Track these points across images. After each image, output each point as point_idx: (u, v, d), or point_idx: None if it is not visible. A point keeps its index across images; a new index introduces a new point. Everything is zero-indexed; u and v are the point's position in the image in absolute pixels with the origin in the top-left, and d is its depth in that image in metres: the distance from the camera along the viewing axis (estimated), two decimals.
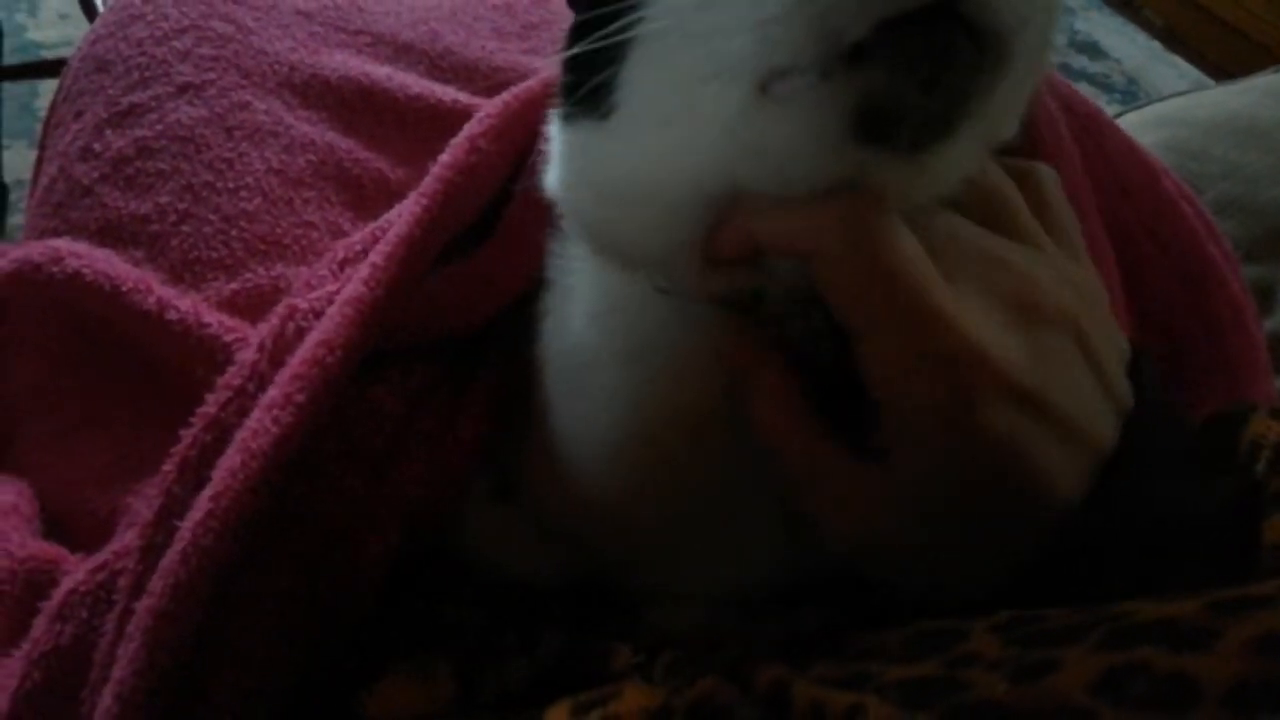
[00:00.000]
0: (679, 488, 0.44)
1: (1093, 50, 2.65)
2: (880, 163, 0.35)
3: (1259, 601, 0.30)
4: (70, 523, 0.52)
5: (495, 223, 0.53)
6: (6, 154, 1.60)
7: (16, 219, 1.56)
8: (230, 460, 0.41)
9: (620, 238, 0.42)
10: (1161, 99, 1.15)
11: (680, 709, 0.36)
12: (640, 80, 0.38)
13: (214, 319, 0.53)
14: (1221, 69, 2.48)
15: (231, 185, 0.59)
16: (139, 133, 0.61)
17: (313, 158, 0.61)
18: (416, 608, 0.47)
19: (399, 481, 0.46)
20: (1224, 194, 0.97)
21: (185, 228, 0.57)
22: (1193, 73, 2.59)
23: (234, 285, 0.56)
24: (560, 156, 0.44)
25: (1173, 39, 2.69)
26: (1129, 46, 2.69)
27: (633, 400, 0.43)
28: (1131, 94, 2.50)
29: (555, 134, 0.44)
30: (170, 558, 0.39)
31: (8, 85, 1.58)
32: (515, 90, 0.54)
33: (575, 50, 0.38)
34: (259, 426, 0.41)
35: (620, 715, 0.36)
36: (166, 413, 0.47)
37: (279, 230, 0.58)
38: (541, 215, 0.49)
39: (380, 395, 0.47)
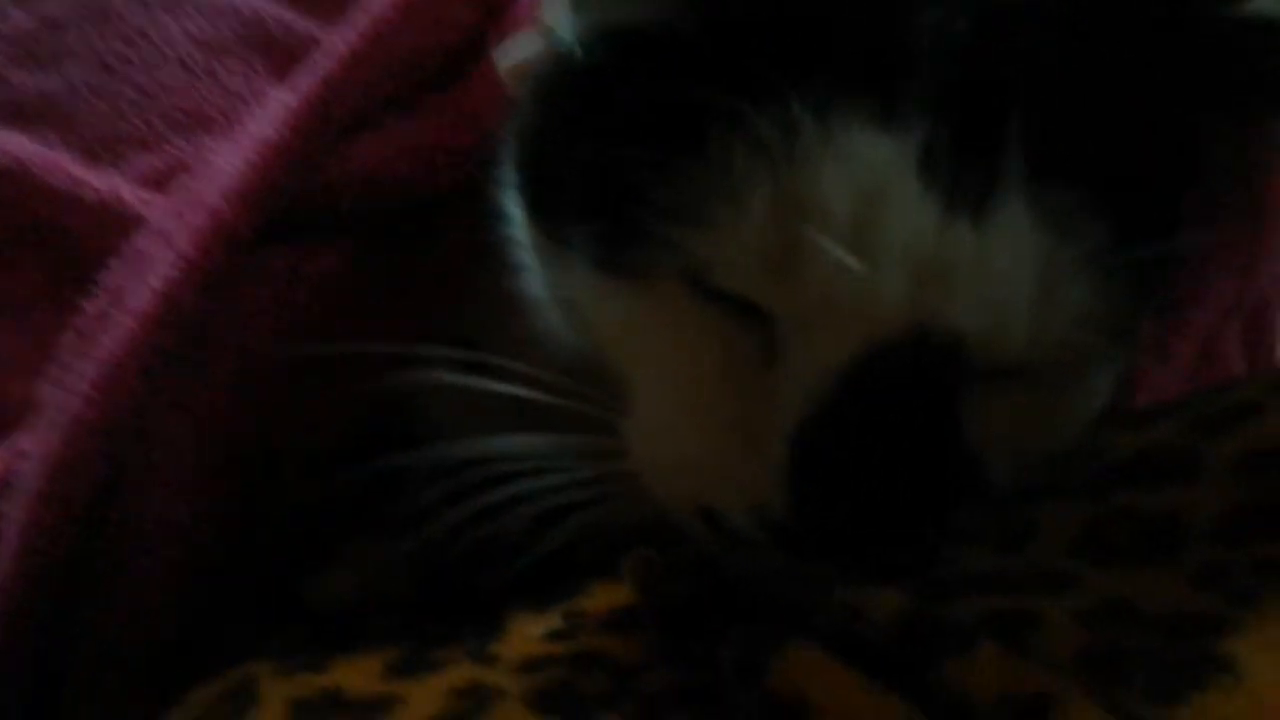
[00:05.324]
0: None
1: None
2: None
3: (1242, 410, 0.27)
4: None
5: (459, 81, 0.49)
6: None
7: None
8: (116, 327, 0.37)
9: None
10: None
11: (652, 608, 0.33)
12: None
13: (133, 195, 0.49)
14: None
15: (148, 57, 0.54)
16: (44, 8, 0.56)
17: (237, 25, 0.56)
18: (373, 491, 0.44)
19: (338, 353, 0.43)
20: None
21: (99, 104, 0.53)
22: None
23: (155, 161, 0.52)
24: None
25: None
26: None
27: None
28: None
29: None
30: (49, 434, 0.36)
31: None
32: None
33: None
34: (145, 287, 0.37)
35: (586, 612, 0.34)
36: (87, 298, 0.44)
37: (202, 103, 0.53)
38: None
39: (311, 261, 0.43)
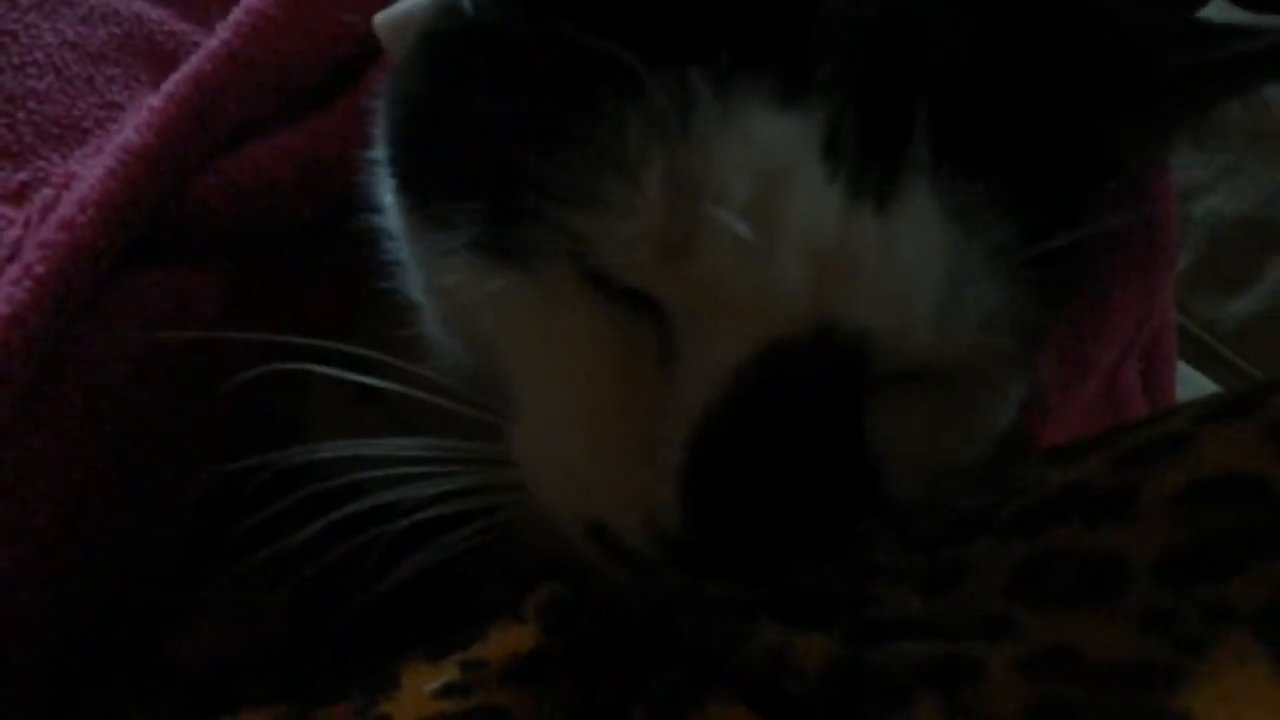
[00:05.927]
0: None
1: None
2: None
3: (1172, 442, 0.27)
4: None
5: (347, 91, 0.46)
6: None
7: None
8: None
9: None
10: None
11: (555, 653, 0.31)
12: None
13: None
14: None
15: (16, 60, 0.50)
16: None
17: (116, 30, 0.52)
18: (243, 533, 0.40)
19: (214, 380, 0.39)
20: None
21: None
22: None
23: (22, 175, 0.47)
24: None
25: None
26: None
27: None
28: None
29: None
30: None
31: None
32: None
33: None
34: None
35: (484, 661, 0.31)
36: None
37: (76, 112, 0.49)
38: None
39: (186, 289, 0.40)
